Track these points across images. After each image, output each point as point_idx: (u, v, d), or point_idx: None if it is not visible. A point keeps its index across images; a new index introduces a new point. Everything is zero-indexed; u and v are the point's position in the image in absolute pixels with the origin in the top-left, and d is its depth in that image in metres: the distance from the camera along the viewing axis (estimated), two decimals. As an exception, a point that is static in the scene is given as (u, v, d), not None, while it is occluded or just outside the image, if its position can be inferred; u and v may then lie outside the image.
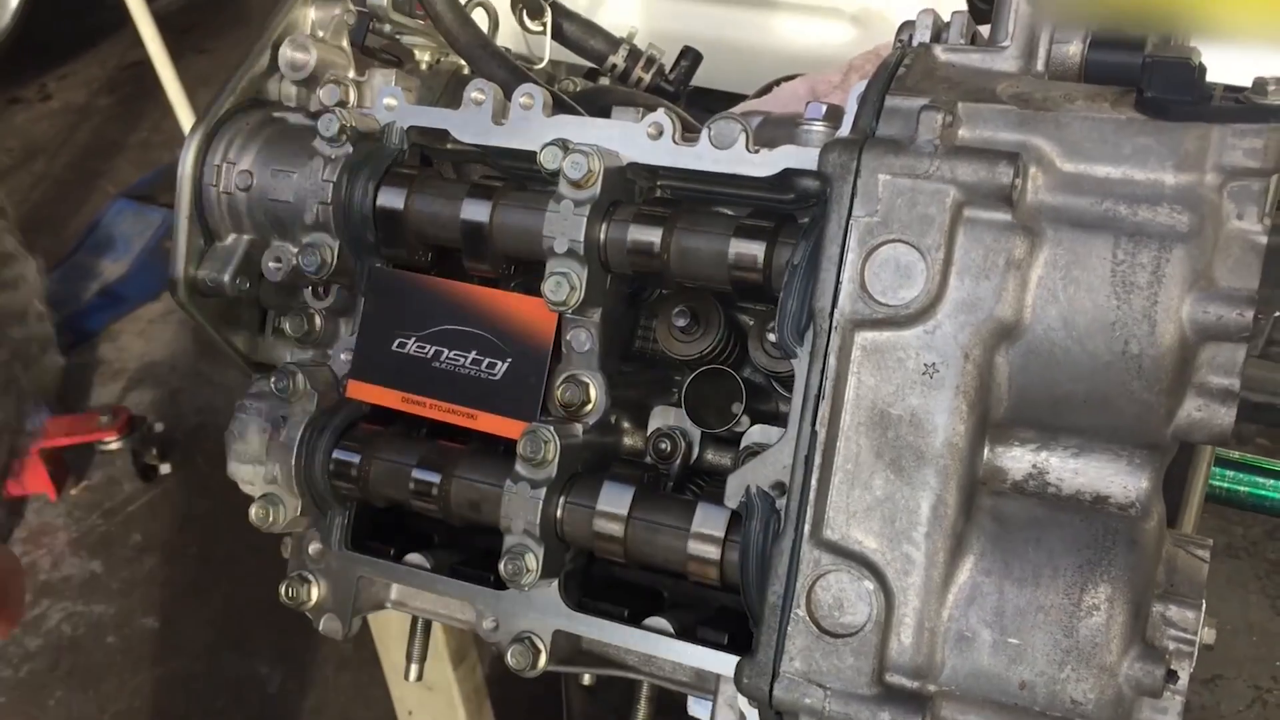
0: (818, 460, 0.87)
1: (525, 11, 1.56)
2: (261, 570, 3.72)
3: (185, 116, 5.15)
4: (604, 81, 1.78)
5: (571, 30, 1.74)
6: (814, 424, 0.88)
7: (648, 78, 1.78)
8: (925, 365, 0.85)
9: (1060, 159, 0.85)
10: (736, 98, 2.71)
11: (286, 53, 1.16)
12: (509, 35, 1.62)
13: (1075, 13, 1.51)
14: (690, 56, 1.82)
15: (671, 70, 1.81)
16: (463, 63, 1.53)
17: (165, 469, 4.07)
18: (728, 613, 1.11)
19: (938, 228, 0.84)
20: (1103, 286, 0.82)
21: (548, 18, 1.56)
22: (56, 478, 3.96)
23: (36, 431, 3.88)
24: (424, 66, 1.51)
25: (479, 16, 1.49)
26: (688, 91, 1.86)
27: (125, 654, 3.55)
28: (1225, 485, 1.35)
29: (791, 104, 1.56)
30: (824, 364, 0.87)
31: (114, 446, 3.93)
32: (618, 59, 1.76)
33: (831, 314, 0.87)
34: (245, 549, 3.80)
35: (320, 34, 1.21)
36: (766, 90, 1.74)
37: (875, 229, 0.86)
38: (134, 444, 3.94)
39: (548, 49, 1.56)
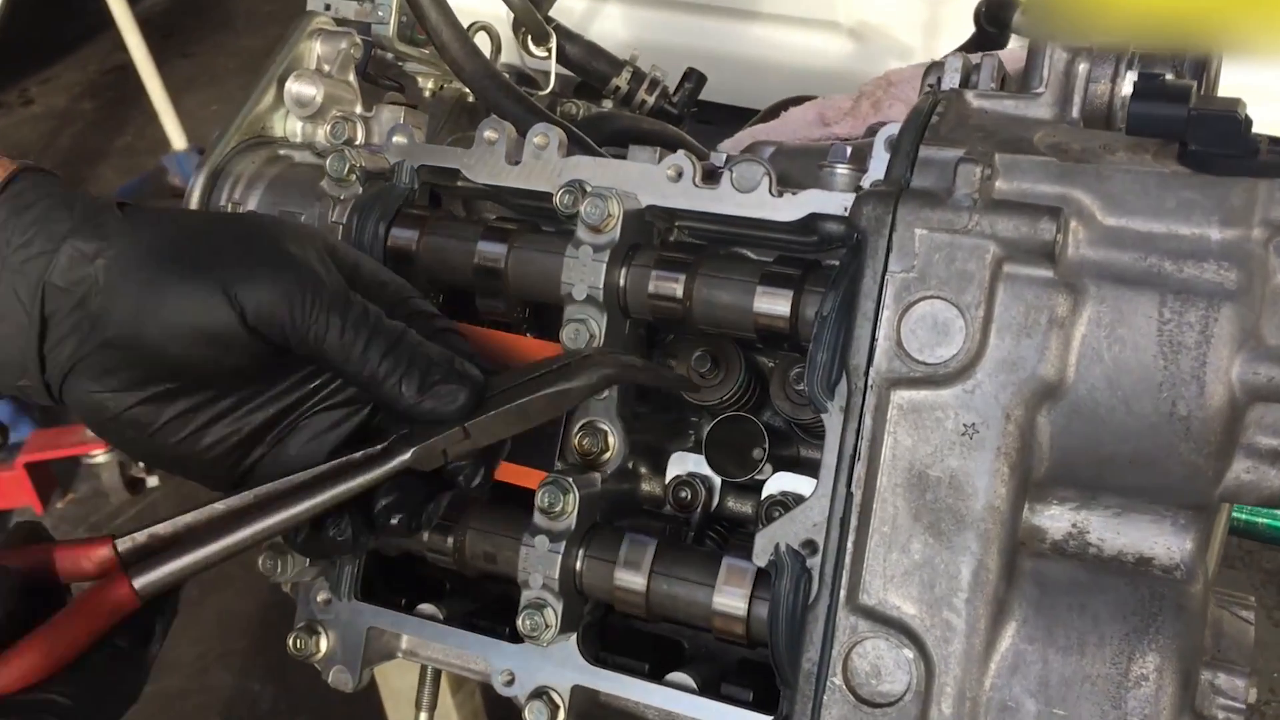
0: (853, 523, 0.85)
1: (530, 38, 1.52)
2: (252, 585, 3.68)
3: (170, 122, 5.10)
4: (607, 104, 1.75)
5: (574, 53, 1.72)
6: (849, 485, 0.85)
7: (651, 100, 1.76)
8: (965, 426, 0.83)
9: (1101, 213, 0.82)
10: (734, 110, 2.70)
11: (292, 88, 1.13)
12: (510, 52, 1.60)
13: (1079, 33, 1.49)
14: (694, 79, 1.80)
15: (675, 92, 1.79)
16: (467, 90, 1.50)
17: (152, 481, 4.02)
18: (750, 666, 1.09)
19: (977, 284, 0.81)
20: (1149, 346, 0.80)
21: (553, 44, 1.53)
22: (43, 491, 3.91)
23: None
24: (427, 94, 1.48)
25: (481, 39, 1.46)
26: (692, 113, 1.83)
27: (114, 672, 3.50)
28: (1244, 517, 1.33)
29: (801, 130, 1.53)
30: (859, 424, 0.85)
31: (100, 459, 3.88)
32: (621, 81, 1.74)
33: (867, 372, 0.84)
34: (235, 563, 3.73)
35: (326, 68, 1.18)
36: (773, 114, 1.71)
37: (912, 285, 0.83)
38: (120, 456, 3.89)
39: (553, 77, 1.53)
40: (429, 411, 0.90)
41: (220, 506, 0.93)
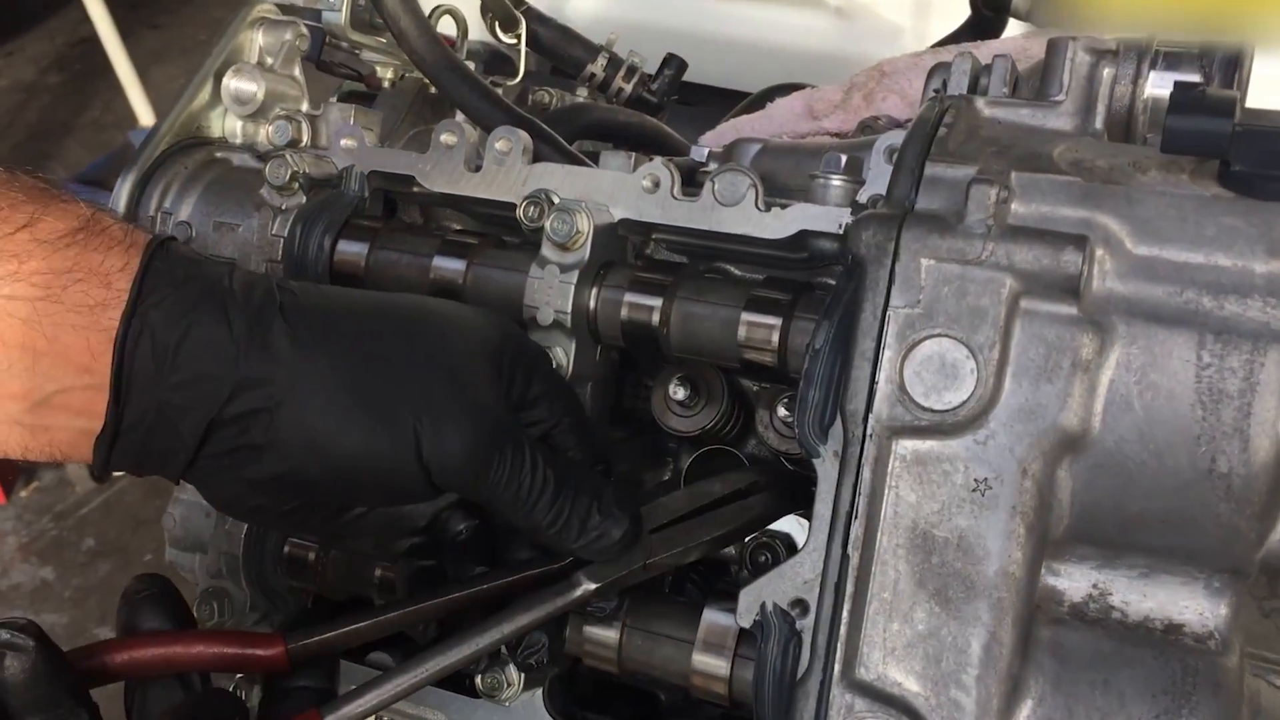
0: (850, 589, 0.75)
1: (499, 23, 1.42)
2: (152, 568, 3.59)
3: (136, 95, 4.97)
4: (582, 92, 1.65)
5: (547, 37, 1.61)
6: (845, 546, 0.75)
7: (629, 88, 1.65)
8: (976, 481, 0.73)
9: (1131, 241, 0.73)
10: (713, 91, 2.59)
11: (230, 83, 1.02)
12: (478, 34, 1.49)
13: (1086, 18, 1.39)
14: (674, 65, 1.69)
15: (654, 79, 1.68)
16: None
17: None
18: (733, 720, 1.00)
19: (991, 322, 0.72)
20: (1186, 394, 0.70)
21: (522, 30, 1.42)
22: (6, 479, 3.80)
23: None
24: (386, 84, 1.37)
25: (446, 24, 1.35)
26: (671, 100, 1.73)
27: (79, 667, 3.40)
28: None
29: (788, 123, 1.43)
30: (857, 477, 0.75)
31: (65, 448, 3.75)
32: (597, 68, 1.63)
33: (865, 418, 0.75)
34: (141, 545, 3.67)
35: (269, 61, 1.07)
36: (758, 104, 1.61)
37: (917, 322, 0.73)
38: (86, 445, 3.77)
39: (522, 65, 1.43)
40: (588, 554, 0.85)
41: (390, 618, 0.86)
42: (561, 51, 1.63)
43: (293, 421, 0.77)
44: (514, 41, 1.46)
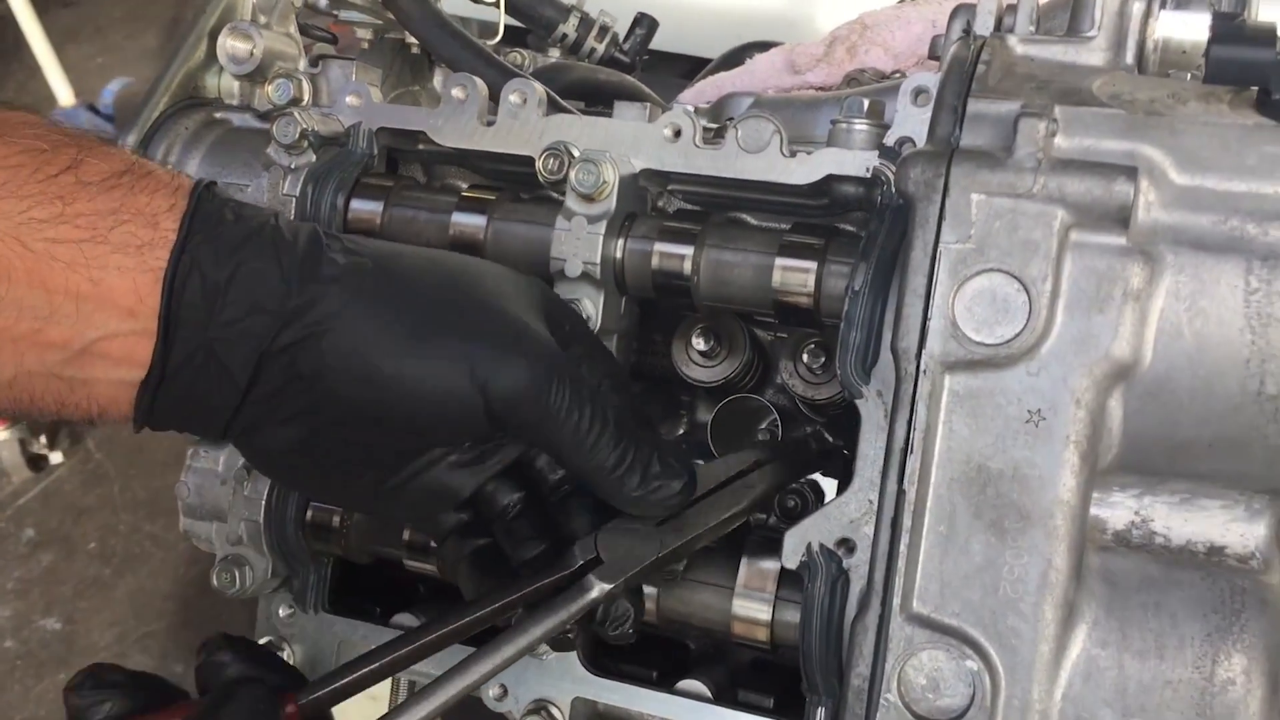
0: (907, 523, 0.76)
1: (478, -16, 1.40)
2: (165, 563, 3.53)
3: (54, 76, 4.83)
4: (554, 53, 1.63)
5: (518, -2, 1.59)
6: (901, 482, 0.76)
7: (601, 48, 1.64)
8: (1029, 412, 0.74)
9: (1175, 171, 0.74)
10: (668, 57, 2.58)
11: (226, 42, 1.00)
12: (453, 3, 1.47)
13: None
14: (645, 24, 1.68)
15: (626, 39, 1.67)
16: (407, 37, 1.37)
17: (56, 458, 3.82)
18: (763, 666, 1.01)
19: (1043, 255, 0.73)
20: (1234, 319, 0.72)
21: (500, -7, 1.40)
22: (-64, 474, 3.70)
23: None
24: (365, 45, 1.35)
25: (422, -15, 1.33)
26: (643, 60, 1.72)
27: (26, 659, 3.34)
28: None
29: (771, 79, 1.43)
30: (911, 413, 0.76)
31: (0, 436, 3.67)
32: (569, 28, 1.61)
33: (918, 355, 0.75)
34: (146, 540, 3.60)
35: (263, 19, 1.04)
36: (733, 60, 1.61)
37: (969, 257, 0.74)
38: (21, 433, 3.69)
39: (501, 24, 1.41)
40: (645, 505, 0.81)
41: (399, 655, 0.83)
42: (533, 12, 1.61)
43: (342, 347, 0.75)
44: (492, 3, 1.44)
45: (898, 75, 1.33)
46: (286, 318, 0.74)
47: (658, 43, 2.04)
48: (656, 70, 2.31)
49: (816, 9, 2.44)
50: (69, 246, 0.70)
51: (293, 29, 1.08)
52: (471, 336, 0.77)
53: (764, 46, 1.61)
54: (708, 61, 1.98)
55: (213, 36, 1.02)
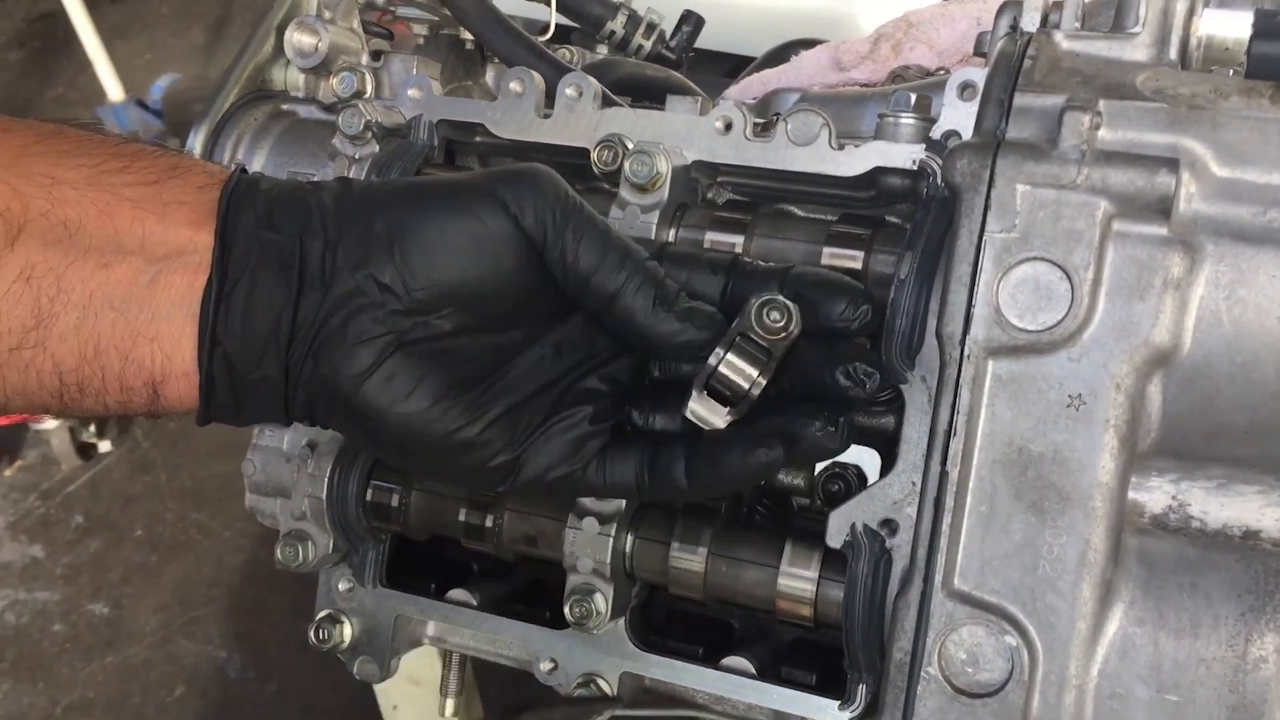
0: (949, 503, 0.79)
1: (531, -19, 1.43)
2: (210, 550, 3.59)
3: (104, 72, 4.91)
4: (602, 49, 1.66)
5: (568, -5, 1.62)
6: (944, 463, 0.79)
7: (648, 45, 1.67)
8: (1070, 397, 0.77)
9: (1216, 163, 0.76)
10: (721, 56, 2.60)
11: (294, 36, 1.04)
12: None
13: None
14: (692, 22, 1.71)
15: (672, 36, 1.70)
16: (461, 33, 1.41)
17: (104, 446, 3.90)
18: (805, 645, 1.03)
19: (1086, 244, 0.75)
20: (1272, 308, 0.74)
21: (553, -14, 1.44)
22: (-12, 459, 3.78)
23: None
24: (420, 40, 1.39)
25: (474, -17, 1.37)
26: (689, 57, 1.75)
27: (74, 642, 3.41)
28: None
29: (816, 75, 1.45)
30: (955, 397, 0.79)
31: (49, 425, 3.75)
32: (616, 25, 1.65)
33: (963, 341, 0.78)
34: (192, 527, 3.66)
35: (328, 15, 1.08)
36: (778, 58, 1.64)
37: (1013, 246, 0.77)
38: (70, 422, 3.76)
39: (553, 21, 1.44)
40: (672, 334, 0.81)
41: None
42: (582, 10, 1.64)
43: (389, 215, 0.79)
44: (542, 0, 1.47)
45: (942, 72, 1.35)
46: (328, 211, 0.80)
47: (702, 40, 2.07)
48: (700, 68, 2.33)
49: (859, 7, 2.46)
50: (138, 188, 0.77)
51: (356, 24, 1.11)
52: (494, 176, 0.82)
53: (808, 44, 1.64)
54: (751, 60, 2.00)
55: (280, 31, 1.06)
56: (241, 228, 0.78)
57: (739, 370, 0.79)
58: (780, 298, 0.78)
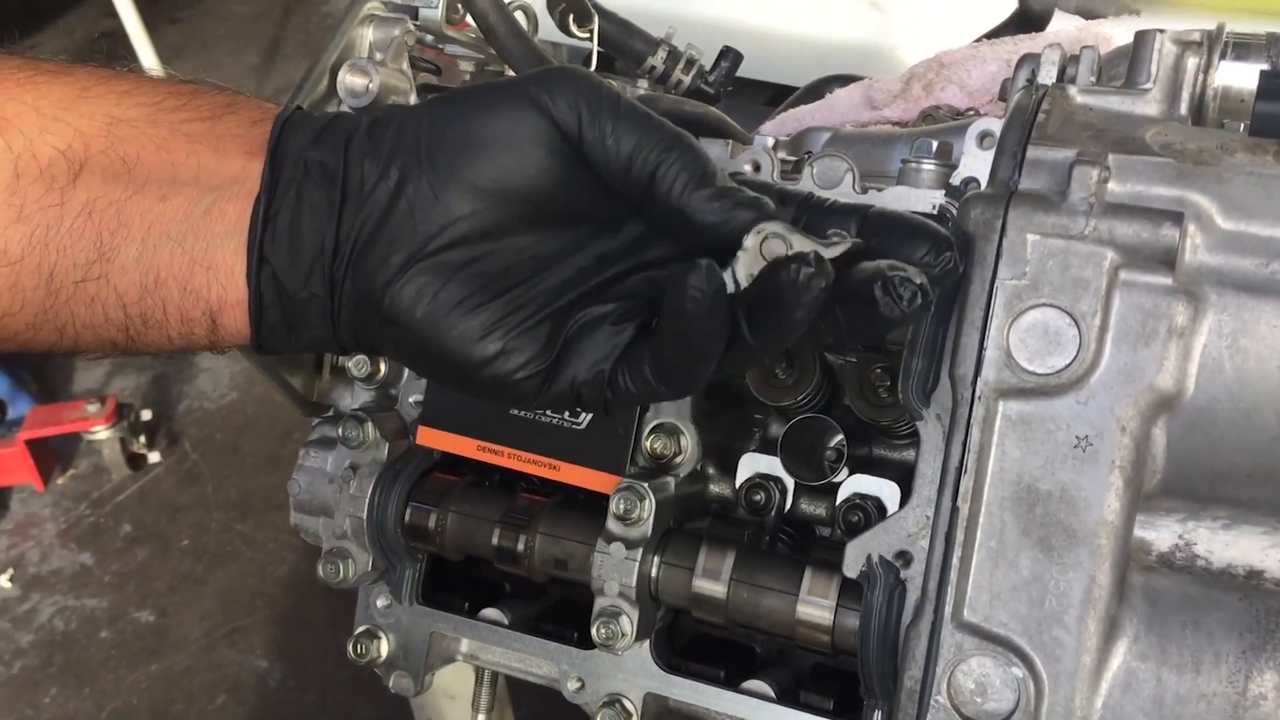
0: (959, 538, 0.82)
1: (573, 18, 1.48)
2: (254, 561, 3.66)
3: (161, 90, 5.01)
4: (642, 84, 1.71)
5: (610, 31, 1.67)
6: (955, 499, 0.82)
7: (687, 80, 1.71)
8: (1077, 438, 0.80)
9: (1221, 216, 0.79)
10: (752, 84, 2.64)
11: (346, 78, 1.08)
12: (545, 27, 1.55)
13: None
14: (730, 57, 1.76)
15: (711, 71, 1.75)
16: (506, 70, 1.46)
17: (154, 457, 3.99)
18: (825, 671, 1.07)
19: (1093, 292, 0.78)
20: (1273, 357, 0.77)
21: (594, 25, 1.49)
22: (43, 467, 3.87)
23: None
24: (467, 77, 1.44)
25: (519, 19, 1.42)
26: (728, 92, 1.79)
27: (120, 649, 3.48)
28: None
29: (849, 113, 1.50)
30: (966, 435, 0.82)
31: (101, 435, 3.84)
32: (656, 60, 1.69)
33: (974, 382, 0.82)
34: (237, 538, 3.74)
35: (379, 56, 1.13)
36: (814, 94, 1.68)
37: (1023, 293, 0.80)
38: (122, 433, 3.85)
39: (595, 58, 1.49)
40: (715, 210, 0.77)
41: None
42: (624, 45, 1.69)
43: (416, 128, 0.80)
44: (586, 36, 1.52)
45: (971, 113, 1.38)
46: (364, 120, 0.82)
47: (745, 70, 2.12)
48: (742, 96, 2.38)
49: (899, 40, 2.49)
50: (193, 124, 0.81)
51: (405, 65, 1.16)
52: (524, 77, 0.82)
53: (845, 80, 1.68)
54: (791, 89, 2.05)
55: (333, 72, 1.11)
56: (291, 150, 0.80)
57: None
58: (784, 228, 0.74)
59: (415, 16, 1.24)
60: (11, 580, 3.65)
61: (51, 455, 3.92)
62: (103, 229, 0.79)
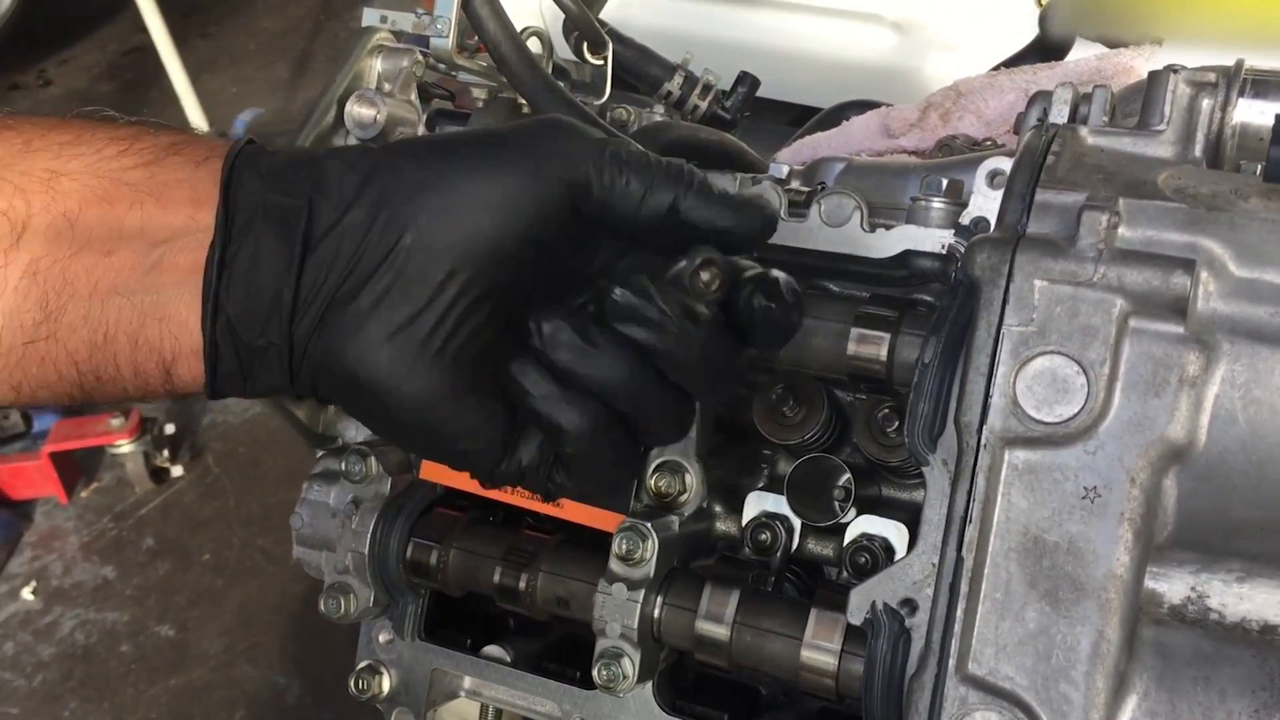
0: (964, 589, 0.80)
1: (587, 46, 1.47)
2: (274, 577, 3.67)
3: (190, 103, 5.06)
4: (659, 109, 1.70)
5: (626, 56, 1.66)
6: (960, 549, 0.80)
7: (704, 105, 1.70)
8: (1085, 489, 0.78)
9: (1234, 263, 0.77)
10: (775, 105, 2.64)
11: (353, 109, 1.08)
12: (559, 50, 1.54)
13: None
14: (748, 83, 1.74)
15: (728, 96, 1.73)
16: (518, 96, 1.45)
17: (177, 471, 4.01)
18: (831, 715, 1.05)
19: (1102, 340, 0.77)
20: (1288, 408, 0.75)
21: (609, 52, 1.48)
22: (67, 480, 3.90)
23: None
24: (480, 104, 1.43)
25: (532, 45, 1.41)
26: (745, 117, 1.78)
27: (140, 663, 3.50)
28: None
29: (865, 141, 1.48)
30: (971, 484, 0.80)
31: (125, 449, 3.86)
32: (674, 86, 1.68)
33: (980, 430, 0.80)
34: (258, 554, 3.75)
35: (387, 87, 1.13)
36: (832, 120, 1.66)
37: (1030, 339, 0.78)
38: (145, 446, 3.87)
39: (608, 86, 1.48)
40: (738, 218, 0.82)
41: None
42: (640, 70, 1.68)
43: (392, 179, 0.78)
44: (600, 63, 1.51)
45: (989, 143, 1.36)
46: (335, 166, 0.79)
47: (765, 91, 2.11)
48: (763, 117, 2.37)
49: (921, 63, 2.48)
50: (136, 170, 0.78)
51: (413, 96, 1.16)
52: (518, 130, 0.81)
53: (863, 106, 1.66)
54: (814, 110, 2.03)
55: (341, 103, 1.10)
56: (245, 190, 0.77)
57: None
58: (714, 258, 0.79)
59: (427, 45, 1.24)
60: (34, 593, 3.67)
61: (75, 468, 3.95)
62: (48, 289, 0.77)
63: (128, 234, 0.78)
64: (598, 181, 0.79)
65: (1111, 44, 1.52)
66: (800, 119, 2.17)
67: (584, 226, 0.81)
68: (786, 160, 1.56)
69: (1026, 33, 1.79)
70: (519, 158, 0.78)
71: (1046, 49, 1.66)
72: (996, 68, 1.54)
